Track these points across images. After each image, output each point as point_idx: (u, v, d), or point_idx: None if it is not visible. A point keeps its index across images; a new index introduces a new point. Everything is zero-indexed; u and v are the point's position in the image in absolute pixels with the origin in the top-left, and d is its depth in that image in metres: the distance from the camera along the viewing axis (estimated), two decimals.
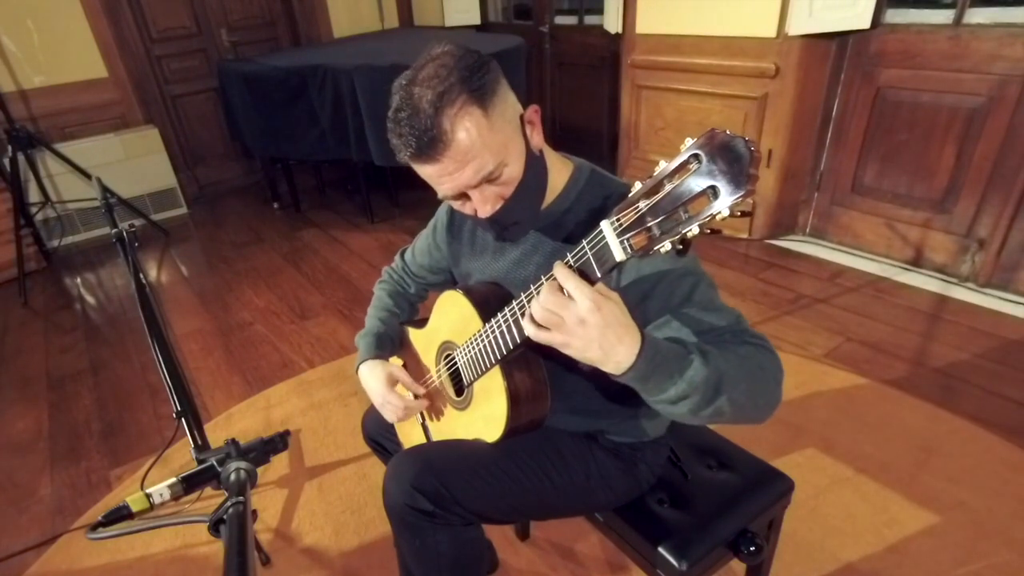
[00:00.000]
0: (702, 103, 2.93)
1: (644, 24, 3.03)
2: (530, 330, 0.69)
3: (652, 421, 1.03)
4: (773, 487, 1.06)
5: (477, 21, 4.34)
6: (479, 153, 0.77)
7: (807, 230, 2.93)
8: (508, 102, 0.81)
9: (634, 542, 1.03)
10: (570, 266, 0.67)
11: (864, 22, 2.32)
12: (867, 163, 2.60)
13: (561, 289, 0.66)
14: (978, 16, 2.16)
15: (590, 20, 3.66)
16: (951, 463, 1.61)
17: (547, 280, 0.69)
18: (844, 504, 1.52)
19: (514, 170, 0.81)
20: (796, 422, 1.78)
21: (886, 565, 1.37)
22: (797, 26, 2.43)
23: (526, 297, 0.75)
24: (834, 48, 2.53)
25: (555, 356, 0.92)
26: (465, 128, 0.75)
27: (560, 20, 3.87)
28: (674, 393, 0.69)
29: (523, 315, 0.74)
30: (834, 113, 2.66)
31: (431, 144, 0.75)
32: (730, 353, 0.74)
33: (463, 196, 0.83)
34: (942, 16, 2.24)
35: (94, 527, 0.70)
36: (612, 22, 3.24)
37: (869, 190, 2.64)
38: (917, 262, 2.56)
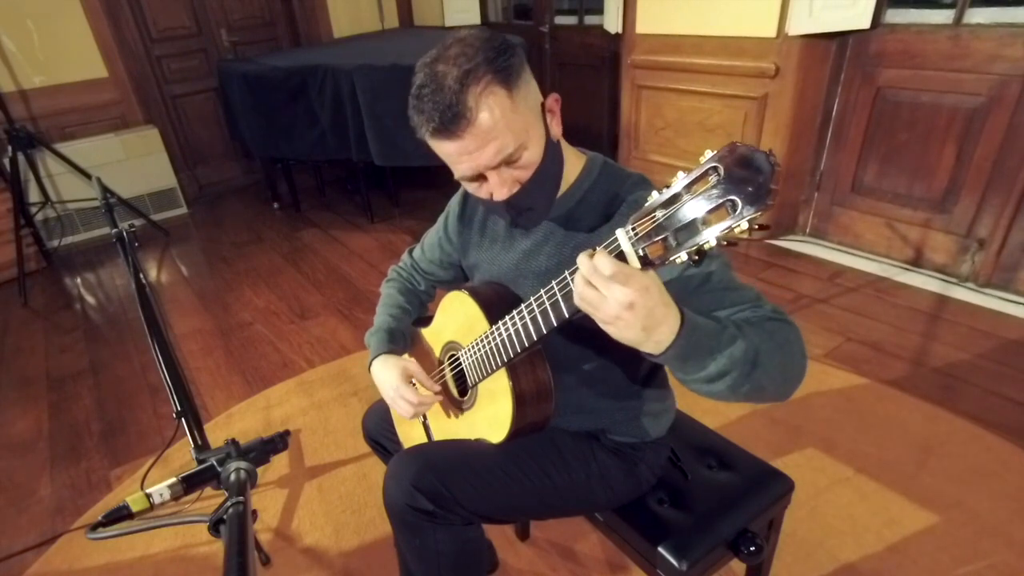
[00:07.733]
0: (702, 103, 2.93)
1: (644, 24, 3.03)
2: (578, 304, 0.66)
3: (654, 421, 1.03)
4: (773, 487, 1.06)
5: (477, 21, 4.33)
6: (501, 133, 0.77)
7: (807, 230, 2.92)
8: (531, 87, 0.82)
9: (634, 542, 1.03)
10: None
11: (864, 22, 2.32)
12: (867, 163, 2.60)
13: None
14: (978, 16, 2.16)
15: (590, 20, 3.66)
16: (951, 463, 1.61)
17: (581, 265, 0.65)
18: (844, 504, 1.52)
19: (533, 154, 0.81)
20: (796, 422, 1.78)
21: (886, 565, 1.37)
22: (797, 26, 2.43)
23: (558, 285, 0.71)
24: (834, 48, 2.53)
25: (555, 355, 0.94)
26: (488, 107, 0.75)
27: (560, 20, 3.87)
28: (714, 370, 0.68)
29: (543, 309, 0.74)
30: (834, 113, 2.66)
31: (454, 120, 0.75)
32: (759, 328, 0.73)
33: (480, 178, 0.82)
34: (942, 16, 2.24)
35: (94, 527, 0.70)
36: (612, 22, 3.24)
37: (869, 190, 2.64)
38: (917, 262, 2.56)
